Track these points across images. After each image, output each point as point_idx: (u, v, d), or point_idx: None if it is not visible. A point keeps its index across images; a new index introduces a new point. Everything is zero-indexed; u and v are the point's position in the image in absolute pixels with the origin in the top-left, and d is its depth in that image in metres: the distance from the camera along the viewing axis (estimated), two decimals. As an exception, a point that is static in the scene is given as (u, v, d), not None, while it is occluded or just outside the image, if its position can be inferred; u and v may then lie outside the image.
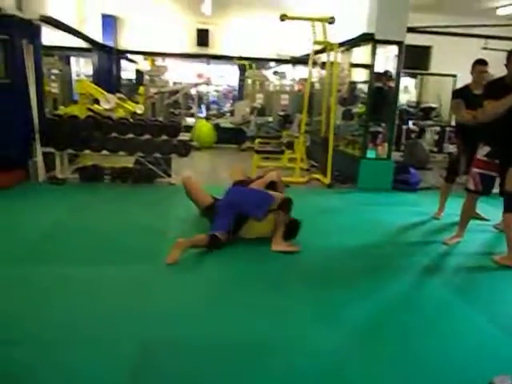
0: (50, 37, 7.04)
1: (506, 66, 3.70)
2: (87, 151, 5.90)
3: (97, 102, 6.50)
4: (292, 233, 3.91)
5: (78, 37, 7.96)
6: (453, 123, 8.39)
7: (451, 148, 7.36)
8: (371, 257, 3.83)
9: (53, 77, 9.63)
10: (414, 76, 11.59)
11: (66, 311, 2.60)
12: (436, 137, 9.97)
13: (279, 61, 11.85)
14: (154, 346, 2.29)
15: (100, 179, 5.96)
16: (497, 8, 9.36)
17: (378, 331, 2.57)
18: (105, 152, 5.87)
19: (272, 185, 4.32)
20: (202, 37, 11.62)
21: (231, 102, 15.02)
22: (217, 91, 15.84)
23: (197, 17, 11.22)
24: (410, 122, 10.11)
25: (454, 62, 9.76)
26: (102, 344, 2.28)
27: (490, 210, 4.88)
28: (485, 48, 7.83)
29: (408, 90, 12.05)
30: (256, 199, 3.89)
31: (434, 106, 10.66)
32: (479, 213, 4.86)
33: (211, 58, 11.84)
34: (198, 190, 4.30)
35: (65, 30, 7.02)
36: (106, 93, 6.38)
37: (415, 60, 10.14)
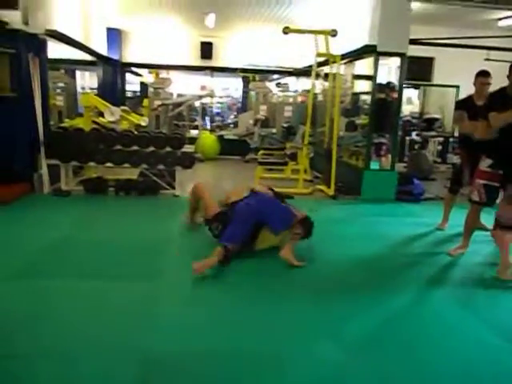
0: (56, 50, 7.11)
1: (508, 77, 3.73)
2: (92, 163, 5.94)
3: (101, 114, 6.55)
4: (308, 232, 3.88)
5: (83, 50, 8.05)
6: (456, 134, 8.39)
7: (455, 159, 7.36)
8: (375, 268, 3.82)
9: (58, 90, 9.75)
10: (416, 87, 11.62)
11: (66, 326, 2.58)
12: (439, 147, 9.98)
13: (282, 72, 11.93)
14: (156, 361, 2.28)
15: (104, 191, 5.99)
16: (498, 20, 9.40)
17: (381, 344, 2.56)
18: (109, 164, 5.90)
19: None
20: (206, 49, 11.71)
21: (235, 113, 15.10)
22: (220, 103, 15.93)
23: (200, 30, 11.31)
24: (414, 133, 10.13)
25: (456, 74, 9.78)
26: (103, 359, 2.26)
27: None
28: (487, 59, 7.86)
29: (411, 101, 12.07)
30: (282, 213, 3.84)
31: (437, 116, 10.67)
32: (483, 223, 4.84)
33: (215, 71, 11.93)
34: (210, 196, 4.25)
35: (70, 44, 7.10)
36: (110, 105, 6.43)
37: (418, 71, 10.17)
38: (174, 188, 6.10)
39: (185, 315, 2.79)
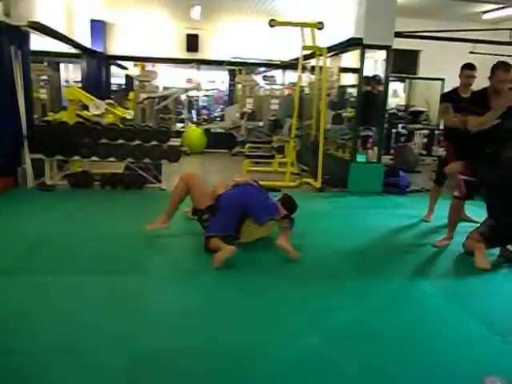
0: (38, 42, 6.99)
1: (490, 78, 3.84)
2: (77, 157, 5.87)
3: (86, 108, 6.46)
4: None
5: (66, 43, 7.93)
6: (441, 126, 8.47)
7: (440, 151, 7.42)
8: (361, 260, 3.85)
9: (42, 83, 9.59)
10: (402, 80, 11.68)
11: (49, 323, 2.55)
12: (425, 140, 10.07)
13: (269, 65, 11.89)
14: (142, 358, 2.25)
15: (90, 185, 5.94)
16: (482, 13, 9.48)
17: (368, 335, 2.58)
18: (94, 158, 5.84)
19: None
20: (192, 42, 11.62)
21: (221, 106, 15.03)
22: (207, 96, 15.84)
23: (186, 22, 11.23)
24: (400, 126, 10.19)
25: (441, 66, 9.86)
26: (87, 358, 2.23)
27: (479, 212, 4.92)
28: (472, 52, 7.93)
29: (397, 94, 12.14)
30: (265, 203, 3.87)
31: (422, 109, 10.74)
32: (468, 215, 4.91)
33: (201, 63, 11.85)
34: (203, 186, 4.09)
35: (53, 36, 6.99)
36: (95, 99, 6.35)
37: (403, 64, 10.23)
38: (160, 182, 6.07)
39: (172, 310, 2.78)
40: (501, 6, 8.41)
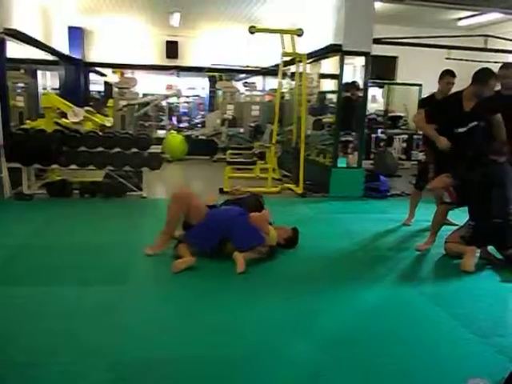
0: (15, 50, 6.88)
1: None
2: (55, 166, 5.77)
3: (64, 115, 6.37)
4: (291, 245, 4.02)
5: (43, 50, 7.82)
6: (420, 131, 8.59)
7: (420, 156, 7.52)
8: (344, 265, 3.86)
9: (19, 90, 9.44)
10: (381, 86, 11.83)
11: (29, 333, 2.49)
12: (404, 145, 10.19)
13: (249, 72, 11.92)
14: (125, 366, 2.22)
15: (69, 194, 5.84)
16: (458, 20, 9.69)
17: (352, 340, 2.58)
18: (73, 166, 5.75)
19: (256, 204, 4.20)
20: (171, 49, 11.61)
21: (202, 113, 14.99)
22: (187, 103, 15.79)
23: (165, 29, 11.20)
24: (379, 131, 10.30)
25: (418, 72, 10.03)
26: (70, 367, 2.18)
27: (459, 215, 4.99)
28: (448, 58, 8.08)
29: (376, 100, 12.29)
30: (249, 232, 3.70)
31: (401, 114, 10.90)
32: (449, 218, 4.96)
33: (181, 70, 11.82)
34: (199, 206, 3.81)
35: (30, 43, 6.88)
36: (73, 106, 6.26)
37: (382, 70, 10.38)
38: (141, 190, 6.00)
39: (152, 319, 2.74)
40: (475, 13, 8.61)
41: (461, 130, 3.97)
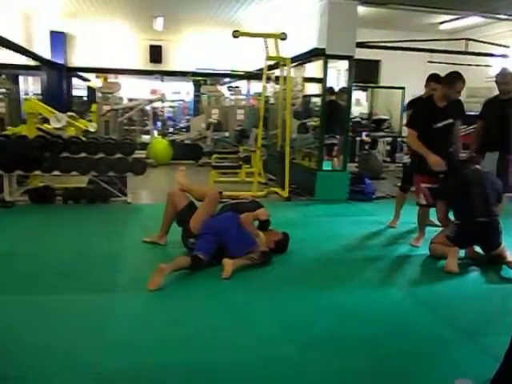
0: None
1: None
2: (37, 172, 5.68)
3: (47, 121, 6.28)
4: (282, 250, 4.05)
5: (25, 55, 7.73)
6: (404, 134, 8.67)
7: (405, 158, 7.59)
8: (330, 268, 3.86)
9: (0, 96, 9.30)
10: (364, 89, 11.93)
11: (16, 343, 2.44)
12: (388, 147, 10.28)
13: (234, 76, 11.93)
14: (112, 377, 2.18)
15: (52, 201, 5.75)
16: (439, 23, 9.82)
17: (340, 342, 2.57)
18: (56, 172, 5.67)
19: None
20: (155, 53, 11.56)
21: (187, 117, 14.95)
22: (172, 107, 15.74)
23: (149, 33, 11.15)
24: (363, 134, 10.37)
25: (401, 75, 10.14)
26: (52, 380, 2.14)
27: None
28: (430, 61, 8.18)
29: (360, 103, 12.38)
30: (243, 240, 3.72)
31: (385, 117, 10.99)
32: (432, 220, 5.00)
33: (165, 75, 11.77)
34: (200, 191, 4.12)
35: (10, 48, 6.79)
36: (56, 111, 6.18)
37: (365, 73, 10.44)
38: (125, 195, 5.94)
39: (136, 328, 2.69)
40: (457, 16, 8.73)
41: (439, 124, 4.15)
